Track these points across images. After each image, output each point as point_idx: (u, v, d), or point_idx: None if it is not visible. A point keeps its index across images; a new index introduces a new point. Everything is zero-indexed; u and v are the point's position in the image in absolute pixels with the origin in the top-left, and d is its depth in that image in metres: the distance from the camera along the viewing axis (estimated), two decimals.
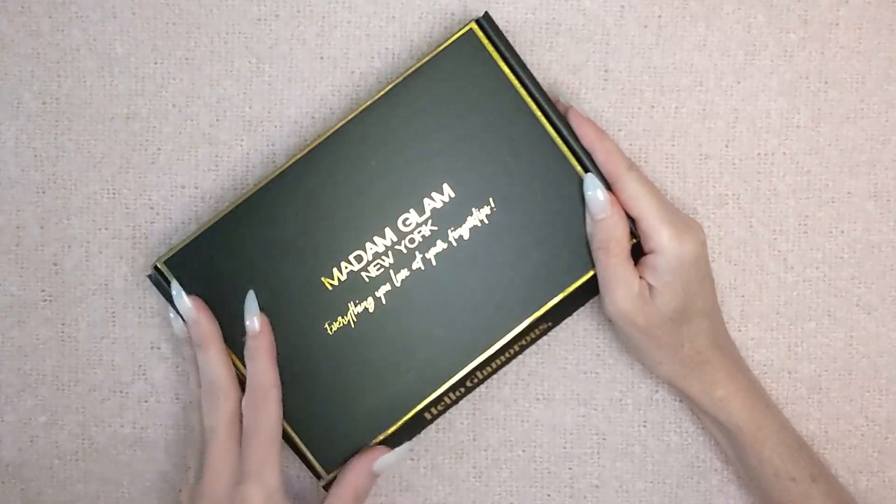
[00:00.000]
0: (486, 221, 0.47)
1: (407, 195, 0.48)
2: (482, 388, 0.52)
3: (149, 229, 0.52)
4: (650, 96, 0.51)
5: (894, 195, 0.52)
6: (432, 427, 0.52)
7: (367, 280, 0.47)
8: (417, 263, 0.47)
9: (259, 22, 0.52)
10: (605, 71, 0.51)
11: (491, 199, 0.47)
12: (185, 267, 0.47)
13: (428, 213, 0.47)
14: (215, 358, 0.46)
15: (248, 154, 0.52)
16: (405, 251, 0.47)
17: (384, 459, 0.47)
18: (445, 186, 0.47)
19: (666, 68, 0.51)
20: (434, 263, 0.47)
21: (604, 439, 0.52)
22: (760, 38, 0.51)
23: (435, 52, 0.47)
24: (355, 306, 0.47)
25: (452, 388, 0.48)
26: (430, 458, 0.52)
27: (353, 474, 0.46)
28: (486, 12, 0.47)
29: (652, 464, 0.52)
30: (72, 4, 0.51)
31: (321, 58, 0.52)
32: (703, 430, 0.52)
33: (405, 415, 0.47)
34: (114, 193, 0.52)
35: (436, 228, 0.47)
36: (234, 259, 0.47)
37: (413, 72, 0.47)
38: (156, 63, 0.52)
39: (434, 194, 0.47)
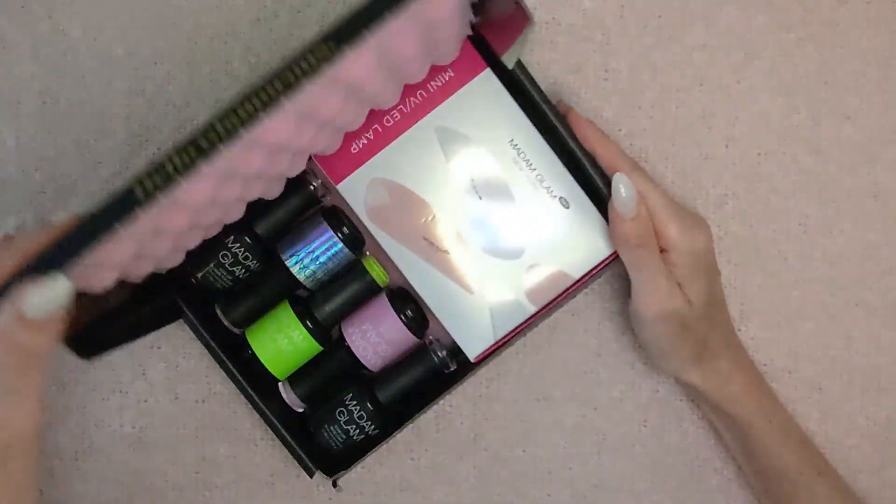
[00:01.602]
0: None
1: None
2: (482, 387, 0.52)
3: None
4: (650, 96, 0.51)
5: (894, 195, 0.52)
6: (432, 427, 0.52)
7: None
8: None
9: (259, 22, 0.51)
10: (606, 71, 0.51)
11: None
12: None
13: None
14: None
15: None
16: None
17: (30, 300, 0.31)
18: None
19: (666, 68, 0.51)
20: None
21: (604, 439, 0.52)
22: (760, 38, 0.51)
23: None
24: None
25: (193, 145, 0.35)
26: (430, 458, 0.52)
27: None
28: None
29: (652, 464, 0.52)
30: (72, 4, 0.51)
31: None
32: (704, 429, 0.52)
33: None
34: None
35: None
36: None
37: None
38: (156, 63, 0.52)
39: None
